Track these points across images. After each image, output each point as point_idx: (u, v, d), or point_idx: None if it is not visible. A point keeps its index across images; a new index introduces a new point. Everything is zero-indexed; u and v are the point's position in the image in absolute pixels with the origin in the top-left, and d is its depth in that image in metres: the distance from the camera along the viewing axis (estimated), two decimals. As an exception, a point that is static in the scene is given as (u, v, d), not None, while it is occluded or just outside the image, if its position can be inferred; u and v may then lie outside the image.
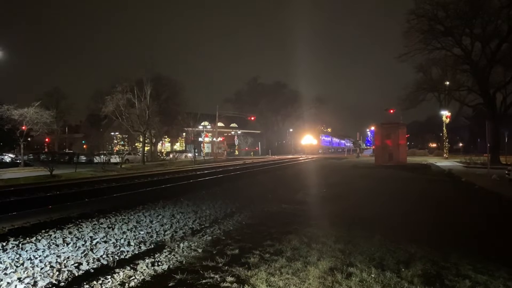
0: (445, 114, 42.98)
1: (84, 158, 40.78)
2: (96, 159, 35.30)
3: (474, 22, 30.49)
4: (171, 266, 5.50)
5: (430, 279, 4.83)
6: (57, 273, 5.20)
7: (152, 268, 5.39)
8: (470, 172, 21.74)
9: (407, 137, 35.23)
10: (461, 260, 5.70)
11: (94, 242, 6.82)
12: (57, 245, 6.58)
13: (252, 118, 66.79)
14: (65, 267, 5.46)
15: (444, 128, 42.80)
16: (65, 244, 6.64)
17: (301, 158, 51.23)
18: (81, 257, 5.94)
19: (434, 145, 72.37)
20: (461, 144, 71.49)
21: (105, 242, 6.84)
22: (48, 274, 5.14)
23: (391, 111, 48.76)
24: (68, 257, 5.89)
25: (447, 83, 42.94)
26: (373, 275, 4.86)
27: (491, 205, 11.79)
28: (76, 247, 6.49)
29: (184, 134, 67.17)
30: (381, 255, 5.83)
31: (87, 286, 4.71)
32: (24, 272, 5.21)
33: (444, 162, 32.75)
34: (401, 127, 32.53)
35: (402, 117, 48.73)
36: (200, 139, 66.87)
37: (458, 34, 31.57)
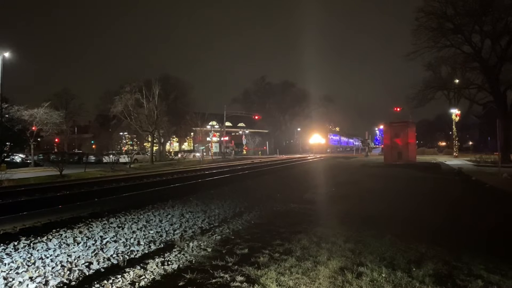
0: (455, 112, 42.52)
1: (93, 158, 41.11)
2: (105, 159, 35.50)
3: (483, 19, 30.18)
4: (181, 265, 5.50)
5: (441, 279, 4.78)
6: (68, 272, 5.23)
7: (162, 267, 5.40)
8: (480, 170, 21.51)
9: (416, 135, 34.92)
10: (472, 259, 5.64)
11: (104, 241, 6.85)
12: (68, 245, 6.62)
13: (258, 117, 66.81)
14: (76, 266, 5.49)
15: (453, 127, 42.36)
16: (76, 244, 6.68)
17: (309, 158, 51.08)
18: (92, 256, 5.98)
19: (444, 143, 71.74)
20: (471, 143, 70.86)
21: (115, 241, 6.87)
22: (59, 274, 5.18)
23: (398, 109, 48.48)
24: (78, 257, 5.92)
25: (457, 81, 42.56)
26: (383, 275, 4.82)
27: (502, 204, 11.64)
28: (86, 246, 6.53)
29: (192, 133, 67.45)
30: (392, 254, 5.78)
31: (98, 285, 4.73)
32: (35, 271, 5.25)
33: (454, 161, 32.44)
34: (410, 126, 32.27)
35: (411, 115, 48.33)
36: (208, 138, 67.06)
37: (468, 32, 31.26)
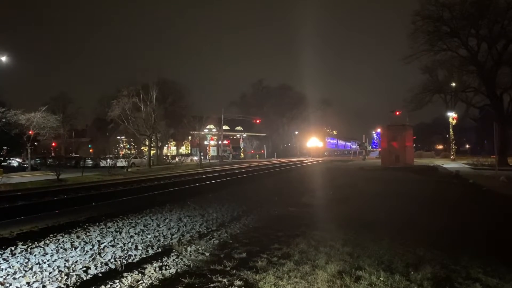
0: (452, 115, 42.75)
1: (91, 162, 40.99)
2: (103, 163, 35.47)
3: (480, 23, 30.34)
4: (178, 270, 5.49)
5: (439, 282, 4.78)
6: (66, 277, 5.21)
7: (160, 272, 5.39)
8: (477, 174, 21.57)
9: (413, 139, 35.03)
10: (470, 263, 5.64)
11: (102, 246, 6.83)
12: (65, 249, 6.60)
13: (257, 121, 66.87)
14: (73, 271, 5.47)
15: (450, 130, 42.55)
16: (73, 248, 6.66)
17: (306, 161, 51.14)
18: (89, 261, 5.95)
19: (441, 146, 71.93)
20: (468, 146, 71.17)
21: (113, 246, 6.85)
22: (57, 279, 5.15)
23: (397, 113, 48.63)
24: (76, 261, 5.90)
25: (453, 84, 42.77)
26: (382, 279, 4.82)
27: (499, 207, 11.67)
28: (84, 251, 6.51)
29: (189, 137, 67.40)
30: (390, 258, 5.78)
31: (96, 290, 4.72)
32: (32, 276, 5.23)
33: (451, 164, 32.54)
34: (407, 129, 32.40)
35: (409, 118, 48.55)
36: (205, 142, 67.05)
37: (464, 35, 31.43)
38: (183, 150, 74.37)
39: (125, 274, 5.24)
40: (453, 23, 31.25)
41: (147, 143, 45.69)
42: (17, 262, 5.85)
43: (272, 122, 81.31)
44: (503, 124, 29.21)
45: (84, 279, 5.21)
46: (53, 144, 61.52)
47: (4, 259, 5.98)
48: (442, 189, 16.30)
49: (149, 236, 7.65)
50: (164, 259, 6.00)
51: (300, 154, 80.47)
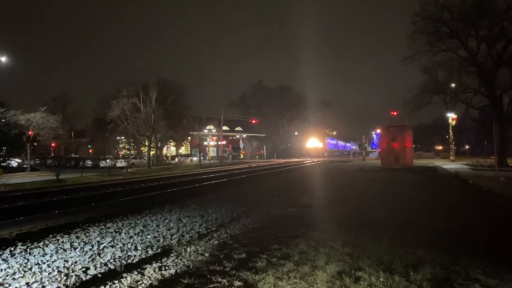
0: (451, 116, 42.77)
1: (90, 162, 40.96)
2: (102, 164, 35.45)
3: (479, 24, 30.39)
4: (178, 270, 5.48)
5: (439, 283, 4.78)
6: (65, 277, 5.20)
7: (160, 272, 5.38)
8: (477, 174, 21.57)
9: (413, 139, 35.05)
10: (470, 263, 5.63)
11: (101, 246, 6.83)
12: (65, 250, 6.59)
13: (257, 122, 66.87)
14: (73, 271, 5.46)
15: (450, 131, 42.58)
16: (73, 249, 6.65)
17: (306, 162, 51.12)
18: (89, 261, 5.95)
19: (441, 147, 71.97)
20: (467, 147, 71.25)
21: (112, 246, 6.85)
22: (56, 279, 5.15)
23: (395, 113, 48.68)
24: (75, 262, 5.90)
25: (453, 85, 42.77)
26: (381, 279, 4.82)
27: (499, 208, 11.67)
28: (83, 251, 6.50)
29: (189, 138, 67.38)
30: (389, 258, 5.78)
31: (95, 290, 4.71)
32: (32, 277, 5.22)
33: (450, 165, 32.55)
34: (407, 130, 32.40)
35: (408, 119, 48.58)
36: (205, 143, 67.02)
37: (464, 36, 31.48)
38: (182, 150, 74.36)
39: (124, 275, 5.24)
40: (453, 24, 31.31)
41: (146, 143, 45.71)
42: (17, 262, 5.84)
43: (271, 122, 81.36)
44: (502, 125, 29.24)
45: (84, 279, 5.20)
46: (53, 144, 61.49)
47: (3, 260, 5.97)
48: (441, 189, 16.29)
49: (148, 237, 7.64)
50: (163, 260, 6.00)
51: (300, 154, 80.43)
